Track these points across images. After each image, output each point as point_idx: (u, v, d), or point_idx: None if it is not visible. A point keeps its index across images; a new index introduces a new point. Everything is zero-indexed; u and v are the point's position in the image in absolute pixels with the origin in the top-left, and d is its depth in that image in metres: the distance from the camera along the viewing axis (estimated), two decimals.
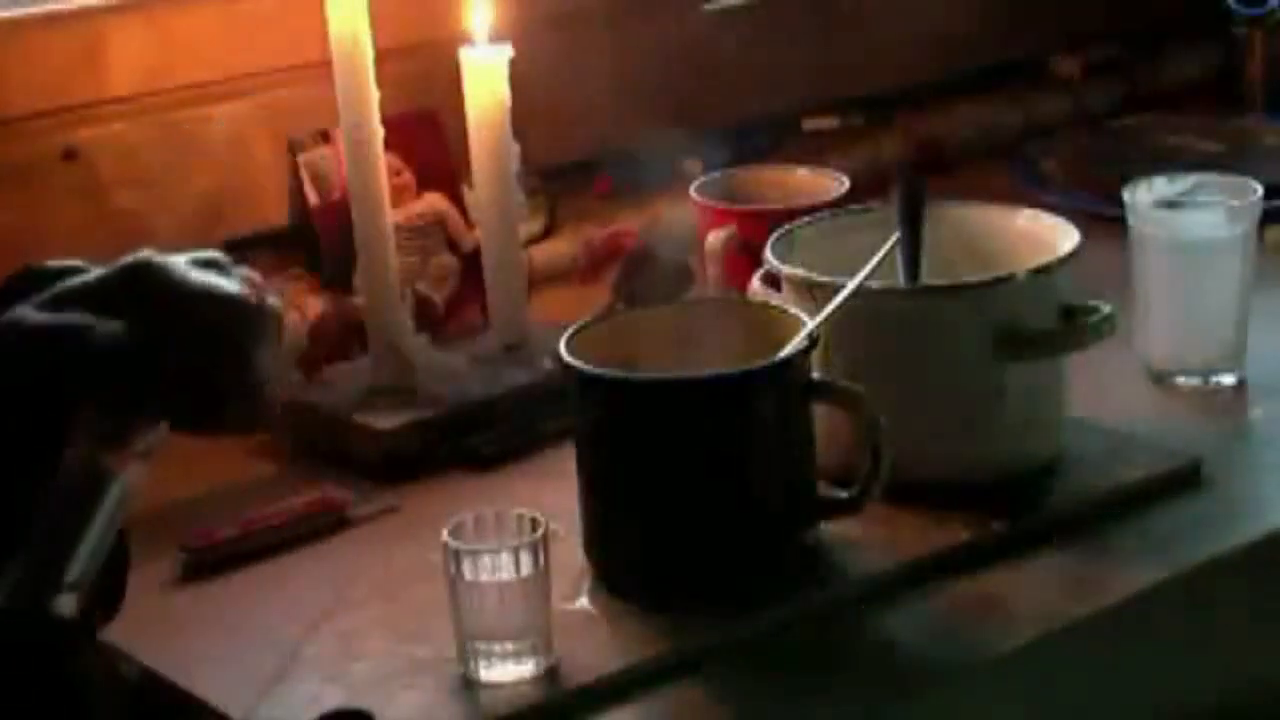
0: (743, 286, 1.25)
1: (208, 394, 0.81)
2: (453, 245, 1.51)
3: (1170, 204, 1.32)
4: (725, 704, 1.00)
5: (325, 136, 1.47)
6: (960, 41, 1.86)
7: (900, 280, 1.18)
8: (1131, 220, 1.32)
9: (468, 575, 0.99)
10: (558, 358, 1.08)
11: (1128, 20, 1.99)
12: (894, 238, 1.18)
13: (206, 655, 1.07)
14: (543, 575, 1.00)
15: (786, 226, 1.24)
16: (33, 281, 0.82)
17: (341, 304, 1.45)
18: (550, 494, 1.15)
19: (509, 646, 1.00)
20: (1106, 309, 1.15)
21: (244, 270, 0.85)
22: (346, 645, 1.06)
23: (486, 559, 0.99)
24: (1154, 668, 1.10)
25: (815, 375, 1.09)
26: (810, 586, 1.08)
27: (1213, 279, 1.30)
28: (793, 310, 1.12)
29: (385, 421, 1.28)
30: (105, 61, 1.41)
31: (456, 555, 1.00)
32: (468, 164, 1.35)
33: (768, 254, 1.20)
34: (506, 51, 1.31)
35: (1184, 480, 1.19)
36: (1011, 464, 1.16)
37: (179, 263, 0.82)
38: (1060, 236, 1.19)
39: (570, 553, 1.10)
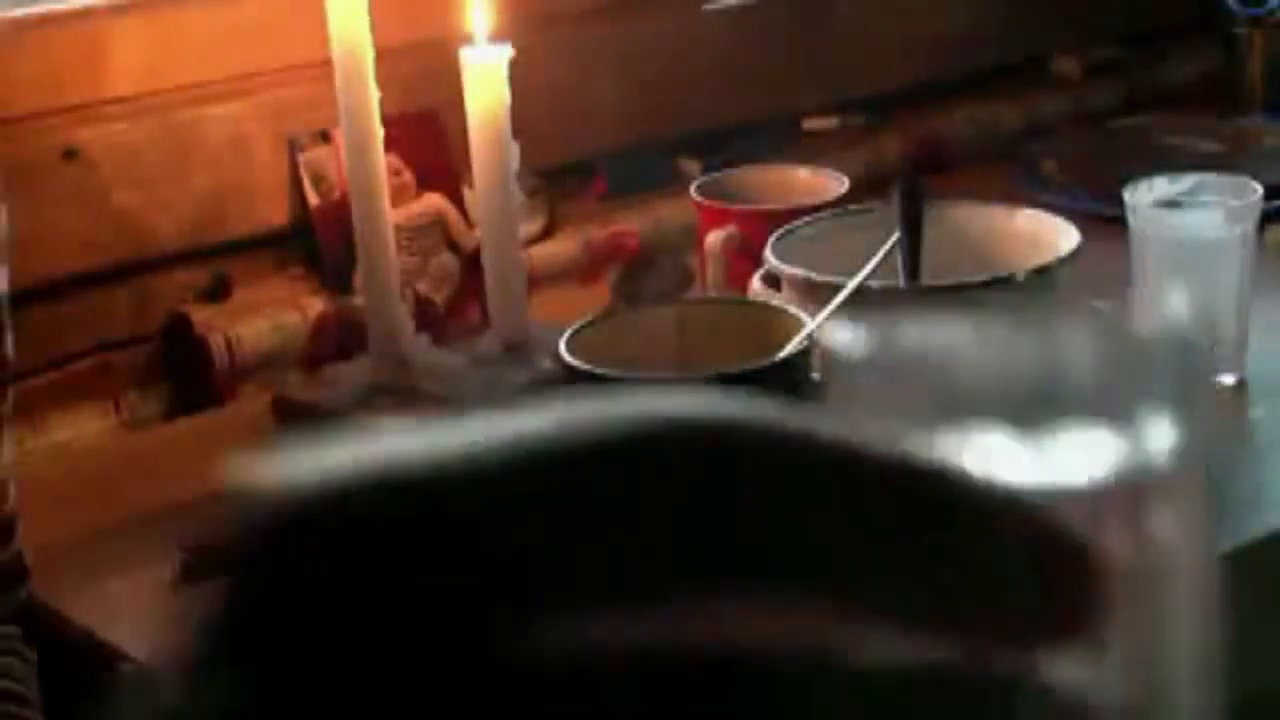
0: (743, 286, 1.25)
1: None
2: (453, 245, 1.51)
3: (1170, 204, 1.32)
4: None
5: (325, 136, 1.48)
6: (960, 41, 1.86)
7: (900, 280, 1.18)
8: (1131, 220, 1.32)
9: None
10: (558, 358, 1.08)
11: (1128, 20, 1.99)
12: (894, 238, 1.18)
13: None
14: None
15: (786, 226, 1.24)
16: None
17: (341, 304, 1.45)
18: None
19: None
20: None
21: None
22: None
23: None
24: None
25: (815, 375, 1.09)
26: None
27: (1213, 279, 1.30)
28: (793, 310, 1.12)
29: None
30: (105, 61, 1.41)
31: None
32: (468, 164, 1.35)
33: (768, 254, 1.20)
34: (506, 51, 1.31)
35: None
36: None
37: None
38: (1060, 236, 1.19)
39: None
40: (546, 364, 1.31)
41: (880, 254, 1.15)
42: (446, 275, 1.50)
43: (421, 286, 1.48)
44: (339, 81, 1.29)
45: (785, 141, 1.76)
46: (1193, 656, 0.30)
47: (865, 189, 1.42)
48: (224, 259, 1.47)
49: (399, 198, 1.44)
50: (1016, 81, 1.92)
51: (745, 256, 1.33)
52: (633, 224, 1.62)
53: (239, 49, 1.47)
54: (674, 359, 1.13)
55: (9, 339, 1.10)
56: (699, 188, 1.42)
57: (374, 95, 1.29)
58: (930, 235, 1.20)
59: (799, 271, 1.16)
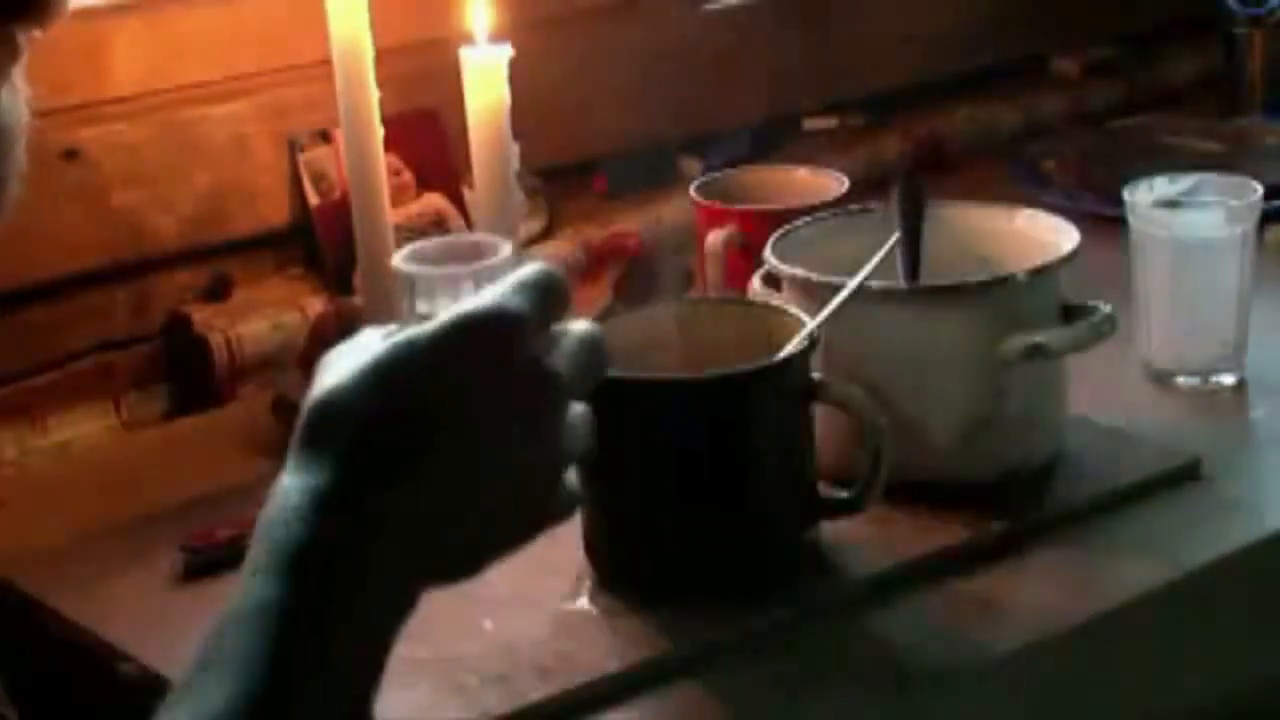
0: (743, 286, 1.25)
1: None
2: None
3: (1170, 204, 1.32)
4: (725, 704, 1.00)
5: (325, 136, 1.48)
6: (960, 41, 1.86)
7: (900, 280, 1.18)
8: (1131, 220, 1.32)
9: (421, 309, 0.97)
10: None
11: (1128, 20, 1.99)
12: (894, 238, 1.18)
13: None
14: None
15: (786, 226, 1.24)
16: None
17: (341, 304, 1.45)
18: None
19: None
20: (1106, 309, 1.15)
21: None
22: None
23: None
24: (1154, 668, 1.10)
25: (815, 375, 1.09)
26: (810, 586, 1.08)
27: (1213, 279, 1.30)
28: (793, 310, 1.12)
29: None
30: (105, 61, 1.41)
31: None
32: (468, 164, 1.35)
33: (768, 254, 1.20)
34: (506, 51, 1.31)
35: (1184, 479, 1.18)
36: (1011, 464, 1.16)
37: None
38: (1060, 236, 1.19)
39: (570, 553, 1.10)
40: None
41: (880, 254, 1.15)
42: None
43: None
44: (339, 81, 1.29)
45: (785, 141, 1.76)
46: None
47: (865, 189, 1.42)
48: (224, 259, 1.47)
49: (399, 198, 1.44)
50: (1016, 81, 1.92)
51: (745, 256, 1.33)
52: (633, 224, 1.62)
53: (239, 49, 1.47)
54: (674, 359, 1.13)
55: None
56: (699, 188, 1.42)
57: (374, 95, 1.29)
58: (930, 235, 1.19)
59: (799, 271, 1.16)
